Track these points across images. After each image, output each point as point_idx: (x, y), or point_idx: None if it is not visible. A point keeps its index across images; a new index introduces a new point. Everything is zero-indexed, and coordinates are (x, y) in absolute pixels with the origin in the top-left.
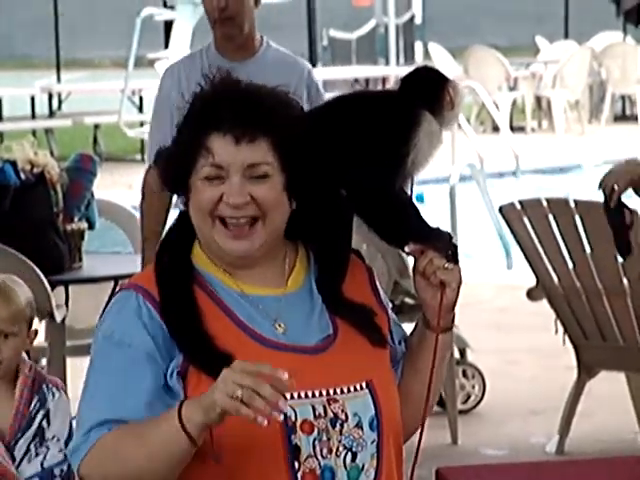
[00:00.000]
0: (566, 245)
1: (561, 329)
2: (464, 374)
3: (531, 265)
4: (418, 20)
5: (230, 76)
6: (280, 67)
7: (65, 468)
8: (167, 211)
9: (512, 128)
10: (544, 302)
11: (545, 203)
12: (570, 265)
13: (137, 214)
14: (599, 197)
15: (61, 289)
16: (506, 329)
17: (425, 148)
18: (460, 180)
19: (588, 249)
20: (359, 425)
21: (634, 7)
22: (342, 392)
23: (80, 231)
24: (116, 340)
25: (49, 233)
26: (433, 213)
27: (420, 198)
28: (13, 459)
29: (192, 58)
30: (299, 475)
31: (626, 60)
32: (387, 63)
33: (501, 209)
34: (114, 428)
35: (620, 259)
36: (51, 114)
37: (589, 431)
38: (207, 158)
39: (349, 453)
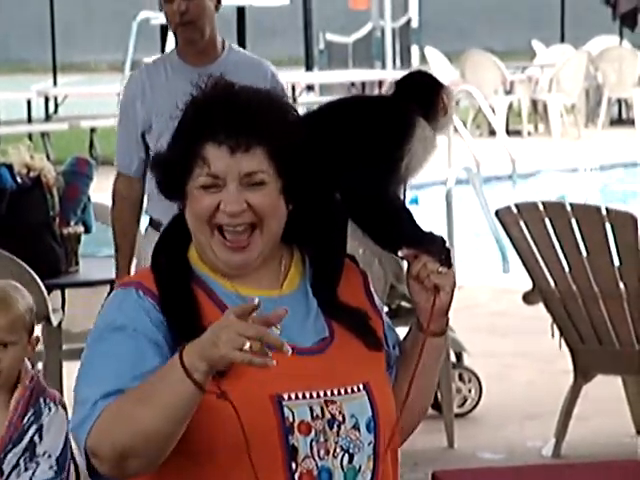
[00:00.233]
0: (562, 249)
1: (557, 333)
2: (460, 378)
3: (527, 269)
4: (414, 24)
5: (223, 81)
6: (244, 70)
7: None
8: (138, 218)
9: (508, 132)
10: (540, 306)
11: (541, 207)
12: (566, 269)
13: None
14: (595, 201)
15: (57, 293)
16: (502, 333)
17: (419, 153)
18: (456, 184)
19: (584, 253)
20: (356, 427)
21: (630, 11)
22: (339, 393)
23: (76, 235)
24: (118, 325)
25: (45, 237)
26: (429, 216)
27: (414, 201)
28: (1, 472)
29: (155, 66)
30: (296, 476)
31: (622, 64)
32: (383, 67)
33: (497, 213)
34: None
35: (616, 263)
36: (47, 118)
37: (585, 435)
38: (203, 168)
39: (346, 454)
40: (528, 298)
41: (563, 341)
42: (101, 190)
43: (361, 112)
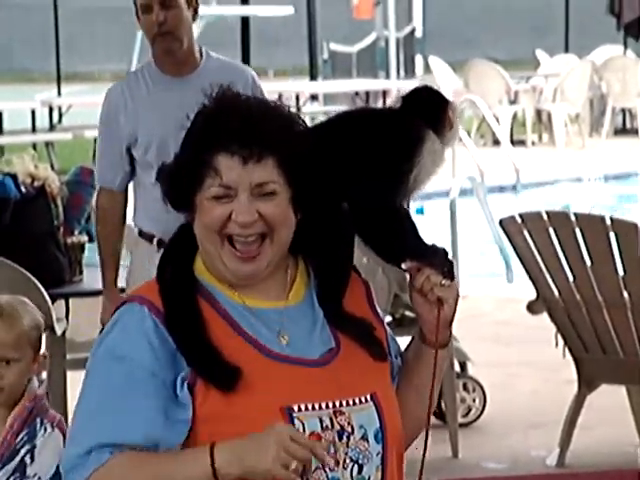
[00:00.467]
0: (566, 258)
1: (561, 342)
2: (464, 387)
3: (531, 278)
4: (419, 33)
5: (231, 91)
6: (224, 75)
7: None
8: (122, 232)
9: (512, 141)
10: (544, 315)
11: (545, 216)
12: (570, 278)
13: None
14: (599, 210)
15: (61, 302)
16: (506, 342)
17: (428, 165)
18: (460, 193)
19: (588, 262)
20: (365, 437)
21: (634, 20)
22: (348, 404)
23: (80, 244)
24: (118, 355)
25: (49, 246)
26: (434, 226)
27: (420, 211)
28: None
29: (135, 78)
30: None
31: (626, 74)
32: (387, 76)
33: (501, 222)
34: (116, 451)
35: (620, 272)
36: (51, 127)
37: (590, 444)
38: (215, 178)
39: (355, 465)
40: (532, 307)
41: (567, 350)
42: None
43: (372, 123)
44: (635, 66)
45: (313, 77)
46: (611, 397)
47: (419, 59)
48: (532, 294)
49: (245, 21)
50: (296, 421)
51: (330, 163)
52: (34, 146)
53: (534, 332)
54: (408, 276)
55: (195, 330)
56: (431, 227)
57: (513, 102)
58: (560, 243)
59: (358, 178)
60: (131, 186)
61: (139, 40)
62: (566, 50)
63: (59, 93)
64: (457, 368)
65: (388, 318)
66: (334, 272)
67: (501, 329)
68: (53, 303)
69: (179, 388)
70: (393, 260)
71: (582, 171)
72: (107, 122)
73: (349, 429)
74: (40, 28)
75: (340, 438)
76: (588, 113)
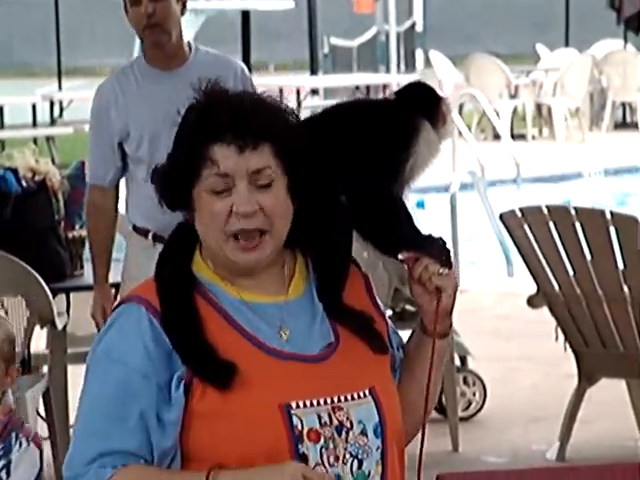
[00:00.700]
0: (566, 252)
1: (562, 336)
2: (465, 381)
3: (532, 272)
4: (419, 28)
5: (221, 84)
6: (214, 68)
7: None
8: (113, 228)
9: (513, 136)
10: (545, 309)
11: (545, 210)
12: (570, 272)
13: None
14: (599, 204)
15: (62, 296)
16: (507, 336)
17: (424, 155)
18: (461, 188)
19: (588, 256)
20: (364, 432)
21: (634, 15)
22: (346, 399)
23: (81, 238)
24: (114, 358)
25: (50, 241)
26: (434, 220)
27: (421, 204)
28: None
29: (124, 73)
30: None
31: (627, 68)
32: (388, 71)
33: (502, 216)
34: (117, 462)
35: (621, 266)
36: (52, 122)
37: (590, 438)
38: (212, 169)
39: (355, 460)
40: (532, 302)
41: (567, 344)
42: None
43: (368, 113)
44: (635, 60)
45: (314, 71)
46: (611, 391)
47: (419, 53)
48: (532, 288)
49: (246, 15)
50: (294, 418)
51: (326, 152)
52: (35, 140)
53: (534, 326)
54: (406, 267)
55: (191, 329)
56: (432, 221)
57: (513, 96)
58: (560, 237)
59: (354, 167)
60: (123, 182)
61: None
62: (566, 44)
63: (60, 87)
64: (457, 362)
65: (389, 312)
66: (333, 265)
67: (501, 323)
68: (54, 297)
69: (174, 388)
70: (390, 251)
71: (582, 165)
72: (98, 117)
73: (348, 424)
74: (41, 23)
75: (339, 433)
76: (588, 107)
